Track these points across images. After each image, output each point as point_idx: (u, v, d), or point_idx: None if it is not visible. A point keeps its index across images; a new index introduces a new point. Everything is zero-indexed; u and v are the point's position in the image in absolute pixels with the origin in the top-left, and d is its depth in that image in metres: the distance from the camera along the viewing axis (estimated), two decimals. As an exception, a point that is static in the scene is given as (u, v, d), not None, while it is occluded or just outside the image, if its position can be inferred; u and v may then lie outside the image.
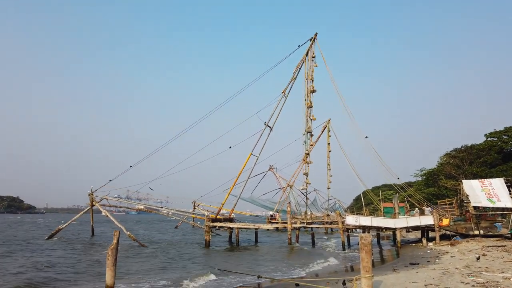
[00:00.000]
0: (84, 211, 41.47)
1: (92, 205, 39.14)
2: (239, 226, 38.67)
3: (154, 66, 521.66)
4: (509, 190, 30.35)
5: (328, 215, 62.06)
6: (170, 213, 48.81)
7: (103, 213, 39.92)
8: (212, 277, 17.91)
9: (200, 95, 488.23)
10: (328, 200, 70.93)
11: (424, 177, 65.08)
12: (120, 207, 50.42)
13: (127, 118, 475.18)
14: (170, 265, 22.75)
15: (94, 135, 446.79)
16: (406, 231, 40.09)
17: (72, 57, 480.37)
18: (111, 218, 38.33)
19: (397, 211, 33.63)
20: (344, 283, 12.42)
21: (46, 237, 38.48)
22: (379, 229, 34.90)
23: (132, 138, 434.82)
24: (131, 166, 39.10)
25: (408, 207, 41.51)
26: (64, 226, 39.34)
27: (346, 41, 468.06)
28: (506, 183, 30.98)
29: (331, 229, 55.06)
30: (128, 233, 34.15)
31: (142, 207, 57.51)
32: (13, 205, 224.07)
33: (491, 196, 30.29)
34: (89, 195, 38.96)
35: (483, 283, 12.29)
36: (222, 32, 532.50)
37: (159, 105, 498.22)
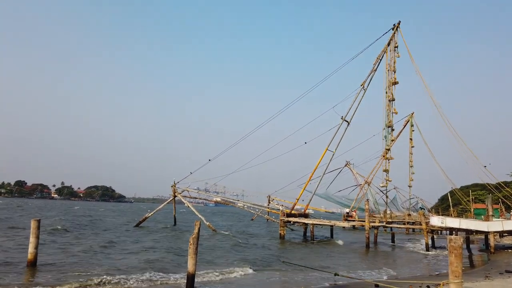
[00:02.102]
0: (167, 201, 44.35)
1: (175, 196, 41.62)
2: (314, 222, 38.27)
3: (231, 58, 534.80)
4: None
5: (409, 215, 58.57)
6: (246, 206, 50.04)
7: (185, 204, 42.30)
8: (285, 270, 17.95)
9: (277, 90, 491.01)
10: (410, 199, 66.90)
11: (523, 176, 58.27)
12: (200, 198, 53.01)
13: (205, 118, 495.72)
14: (246, 256, 23.25)
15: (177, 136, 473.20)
16: (501, 236, 36.31)
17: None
18: (192, 208, 40.42)
19: (490, 213, 30.55)
20: None
21: (134, 225, 41.92)
22: (468, 232, 32.02)
23: (212, 133, 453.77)
24: (209, 160, 40.79)
25: (504, 209, 37.48)
26: (150, 214, 42.48)
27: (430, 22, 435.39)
28: None
29: (413, 230, 51.91)
30: (208, 223, 35.73)
31: (219, 199, 59.84)
32: (106, 194, 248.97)
33: None
34: (171, 186, 41.48)
35: None
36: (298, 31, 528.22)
37: (236, 102, 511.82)
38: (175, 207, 44.45)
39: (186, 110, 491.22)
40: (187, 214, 70.31)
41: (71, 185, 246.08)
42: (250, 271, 17.63)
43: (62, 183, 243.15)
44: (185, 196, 42.62)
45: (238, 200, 56.42)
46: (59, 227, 32.88)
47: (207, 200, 61.00)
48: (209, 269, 17.45)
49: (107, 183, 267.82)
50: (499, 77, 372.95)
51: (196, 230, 13.16)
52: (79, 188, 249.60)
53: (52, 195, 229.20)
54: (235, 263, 19.96)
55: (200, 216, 36.03)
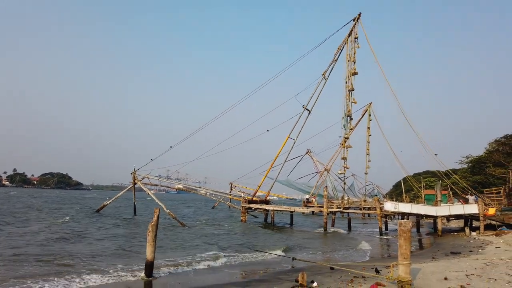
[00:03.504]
0: (126, 188, 43.35)
1: (135, 183, 40.75)
2: (275, 208, 38.97)
3: (189, 46, 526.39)
4: None
5: (365, 201, 61.00)
6: (208, 193, 50.00)
7: (145, 191, 41.56)
8: (250, 256, 18.27)
9: (240, 78, 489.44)
10: (366, 185, 69.69)
11: (470, 164, 62.08)
12: (161, 186, 52.24)
13: (166, 101, 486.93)
14: (207, 242, 23.36)
15: (138, 117, 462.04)
16: (448, 220, 38.73)
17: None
18: (152, 196, 39.83)
19: (439, 198, 32.43)
20: (377, 271, 12.23)
21: (95, 210, 40.83)
22: (419, 216, 33.92)
23: (173, 120, 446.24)
24: (171, 147, 40.22)
25: (451, 195, 39.93)
26: (109, 202, 41.42)
27: (390, 21, 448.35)
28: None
29: (369, 215, 54.17)
30: (168, 211, 35.36)
31: (181, 186, 59.23)
32: (63, 181, 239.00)
33: (543, 186, 28.44)
34: (132, 173, 40.55)
35: (531, 276, 11.66)
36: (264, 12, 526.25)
37: (199, 88, 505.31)
38: (135, 195, 43.49)
39: (144, 98, 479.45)
40: (153, 202, 69.11)
41: (24, 172, 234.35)
42: (211, 257, 17.77)
43: (14, 169, 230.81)
44: (145, 184, 41.82)
45: (201, 187, 56.22)
46: None
47: (169, 187, 60.30)
48: (170, 257, 17.42)
49: (64, 170, 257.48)
50: (457, 70, 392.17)
51: (155, 218, 13.07)
52: (32, 175, 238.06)
53: (3, 182, 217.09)
54: (196, 251, 20.05)
55: (160, 203, 35.53)
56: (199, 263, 16.31)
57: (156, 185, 50.15)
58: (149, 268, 12.92)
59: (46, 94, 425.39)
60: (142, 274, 13.08)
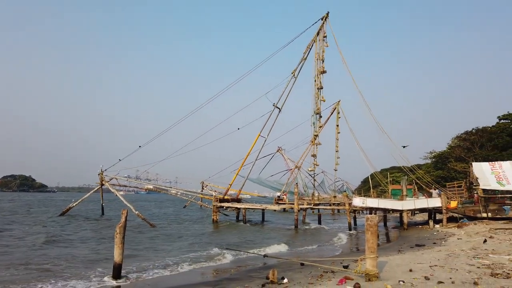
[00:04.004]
0: (93, 190, 42.08)
1: (102, 185, 39.67)
2: (246, 206, 39.02)
3: (154, 46, 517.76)
4: (520, 173, 29.96)
5: (335, 197, 62.14)
6: (179, 193, 49.39)
7: (113, 192, 40.51)
8: (222, 255, 18.20)
9: (209, 76, 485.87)
10: (336, 182, 70.99)
11: (433, 159, 64.55)
12: (130, 186, 51.08)
13: (139, 99, 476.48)
14: (179, 243, 23.11)
15: (105, 116, 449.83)
16: (413, 214, 40.07)
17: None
18: (120, 197, 38.94)
19: (404, 193, 33.54)
20: (344, 267, 12.45)
21: (58, 214, 39.34)
22: (386, 211, 34.93)
23: (142, 119, 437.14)
24: (140, 146, 39.40)
25: (416, 190, 41.37)
26: (75, 204, 40.08)
27: (360, 18, 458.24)
28: (516, 166, 30.55)
29: (338, 210, 55.26)
30: (136, 212, 34.69)
31: (151, 187, 58.29)
32: (26, 183, 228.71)
33: (500, 179, 29.96)
34: (99, 174, 39.45)
35: (489, 265, 12.27)
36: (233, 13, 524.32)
37: (168, 88, 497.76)
38: (102, 196, 42.35)
39: (113, 99, 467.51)
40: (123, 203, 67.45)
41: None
42: (182, 257, 17.59)
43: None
44: (113, 185, 40.80)
45: (171, 187, 55.46)
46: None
47: (138, 188, 59.11)
48: (140, 258, 17.10)
49: (27, 172, 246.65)
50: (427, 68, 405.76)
51: (123, 219, 12.80)
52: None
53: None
54: (166, 251, 19.80)
55: (128, 204, 34.80)
56: (170, 264, 16.10)
57: (125, 186, 48.96)
58: (117, 270, 12.64)
59: (4, 89, 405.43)
60: (110, 278, 12.77)
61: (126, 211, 13.20)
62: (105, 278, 12.95)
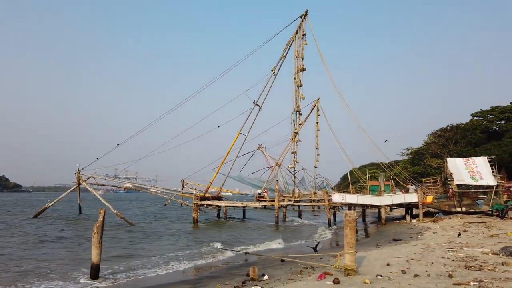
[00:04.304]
0: (70, 189, 41.07)
1: (79, 184, 38.79)
2: (227, 204, 38.98)
3: (136, 43, 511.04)
4: (492, 169, 31.00)
5: (315, 193, 62.79)
6: (159, 191, 48.78)
7: (91, 192, 39.72)
8: (198, 252, 18.14)
9: (189, 74, 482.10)
10: (316, 178, 71.70)
11: (410, 156, 66.10)
12: (108, 185, 50.24)
13: (116, 97, 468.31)
14: (159, 242, 22.88)
15: (82, 113, 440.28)
16: (390, 209, 40.94)
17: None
18: (98, 196, 38.21)
19: (382, 189, 34.19)
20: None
21: (32, 216, 38.25)
22: (364, 206, 35.54)
23: (122, 116, 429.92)
24: (118, 145, 38.64)
25: (394, 185, 42.25)
26: (50, 204, 39.06)
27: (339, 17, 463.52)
28: (489, 161, 31.58)
29: (318, 207, 55.93)
30: (115, 211, 34.11)
31: (130, 185, 57.28)
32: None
33: (474, 174, 30.90)
34: (75, 173, 38.56)
35: (463, 257, 12.65)
36: (213, 12, 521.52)
37: (148, 85, 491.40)
38: (79, 195, 41.39)
39: (88, 94, 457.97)
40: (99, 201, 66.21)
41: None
42: (162, 256, 17.43)
43: None
44: (91, 184, 39.95)
45: (151, 186, 54.73)
46: None
47: (117, 187, 58.08)
48: (119, 258, 16.84)
49: (0, 171, 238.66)
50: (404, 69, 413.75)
51: (100, 219, 12.57)
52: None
53: None
54: (146, 250, 19.58)
55: (106, 203, 34.17)
56: (150, 263, 15.93)
57: (103, 185, 48.12)
58: (95, 271, 12.43)
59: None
60: (87, 279, 12.53)
61: (104, 210, 12.98)
62: (82, 280, 12.67)
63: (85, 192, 42.25)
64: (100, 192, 51.91)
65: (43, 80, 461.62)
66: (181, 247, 20.61)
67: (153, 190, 47.47)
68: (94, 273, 12.39)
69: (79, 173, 38.32)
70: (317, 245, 16.95)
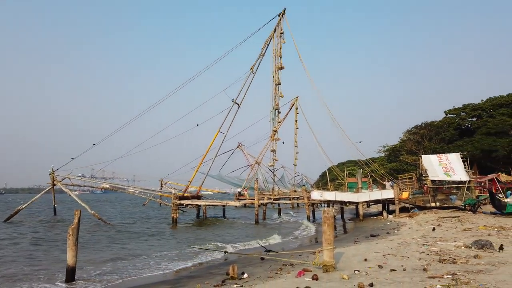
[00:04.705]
0: (44, 190, 39.96)
1: (54, 185, 37.74)
2: (206, 203, 38.79)
3: (117, 40, 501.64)
4: (464, 164, 31.98)
5: (295, 191, 63.23)
6: (137, 191, 48.04)
7: (67, 193, 38.75)
8: (177, 252, 17.98)
9: (167, 73, 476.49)
10: (295, 176, 72.25)
11: (386, 153, 67.40)
12: (85, 186, 49.03)
13: (92, 94, 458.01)
14: (138, 243, 22.54)
15: (55, 111, 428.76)
16: (368, 205, 41.66)
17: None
18: (74, 197, 37.35)
19: (360, 185, 34.75)
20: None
21: (4, 219, 36.92)
22: (343, 203, 36.04)
23: (96, 116, 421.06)
24: (94, 144, 37.86)
25: (371, 182, 43.00)
26: (24, 206, 37.86)
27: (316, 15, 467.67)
28: (461, 157, 32.56)
29: (298, 204, 56.39)
30: (92, 212, 33.44)
31: (107, 186, 56.10)
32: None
33: (447, 170, 31.80)
34: (50, 174, 37.49)
35: (437, 251, 13.01)
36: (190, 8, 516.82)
37: (124, 83, 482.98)
38: (54, 197, 40.26)
39: (64, 92, 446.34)
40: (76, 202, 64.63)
41: None
42: (141, 257, 17.18)
43: None
44: (66, 184, 38.94)
45: (129, 186, 53.82)
46: None
47: (94, 187, 56.83)
48: (97, 259, 16.50)
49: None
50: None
51: (76, 220, 12.28)
52: None
53: None
54: (124, 250, 19.26)
55: (83, 204, 33.46)
56: (128, 264, 15.67)
57: (79, 186, 46.86)
58: (71, 273, 12.14)
59: None
60: (62, 282, 12.22)
61: (79, 211, 12.67)
62: (58, 283, 12.35)
63: (62, 193, 41.20)
64: (76, 193, 50.63)
65: (13, 80, 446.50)
66: (160, 247, 20.36)
67: (131, 190, 46.69)
68: (70, 276, 12.09)
69: (53, 173, 37.28)
70: (269, 250, 16.76)
